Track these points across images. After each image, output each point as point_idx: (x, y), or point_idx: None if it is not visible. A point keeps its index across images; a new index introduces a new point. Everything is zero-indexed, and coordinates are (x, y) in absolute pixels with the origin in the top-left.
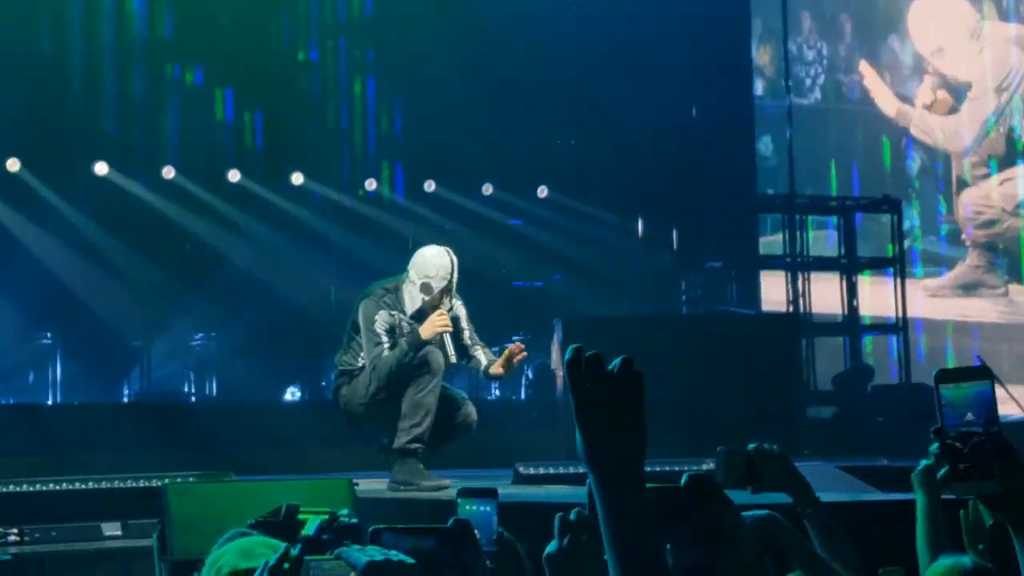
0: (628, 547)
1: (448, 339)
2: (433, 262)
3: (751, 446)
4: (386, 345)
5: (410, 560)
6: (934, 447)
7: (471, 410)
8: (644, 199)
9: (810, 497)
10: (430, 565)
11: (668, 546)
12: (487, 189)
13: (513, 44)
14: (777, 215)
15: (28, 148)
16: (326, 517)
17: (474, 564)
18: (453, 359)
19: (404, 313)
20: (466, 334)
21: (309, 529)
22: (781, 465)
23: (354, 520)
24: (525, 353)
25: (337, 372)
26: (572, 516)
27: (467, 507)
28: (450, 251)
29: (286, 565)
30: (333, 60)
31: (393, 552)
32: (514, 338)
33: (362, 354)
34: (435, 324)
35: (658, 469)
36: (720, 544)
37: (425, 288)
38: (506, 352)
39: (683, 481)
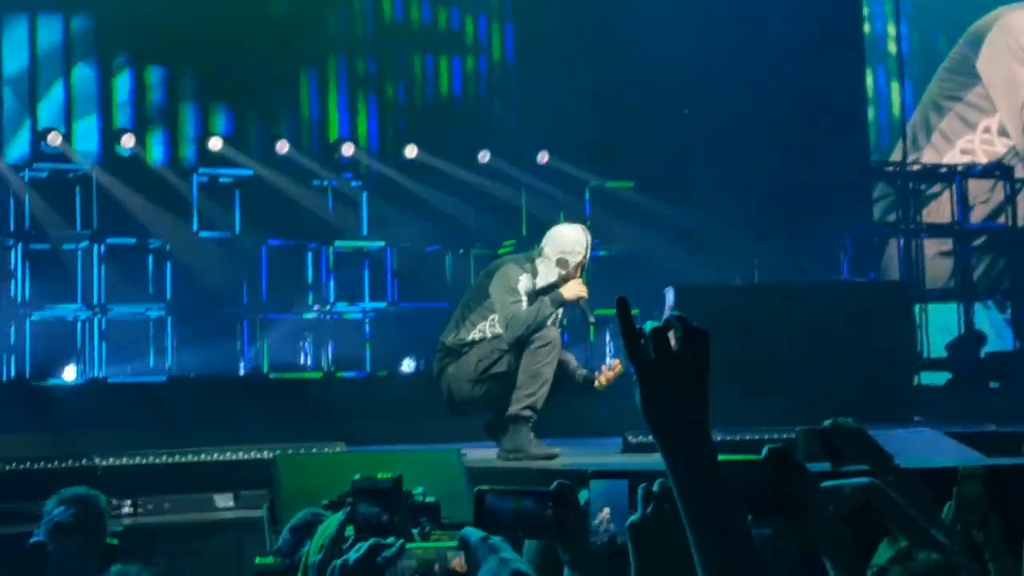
0: (702, 509)
1: (586, 306)
2: (570, 237)
3: (827, 422)
4: (524, 302)
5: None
6: None
7: (569, 357)
8: (758, 166)
9: (890, 466)
10: (530, 525)
11: (749, 517)
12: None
13: (618, 18)
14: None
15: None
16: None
17: (573, 525)
18: (593, 319)
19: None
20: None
21: None
22: (857, 438)
23: (430, 499)
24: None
25: (443, 352)
26: (655, 487)
27: (599, 488)
28: (586, 228)
29: (383, 556)
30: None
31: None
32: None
33: (478, 326)
34: (578, 288)
35: (767, 436)
36: (799, 516)
37: (561, 263)
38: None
39: (763, 454)
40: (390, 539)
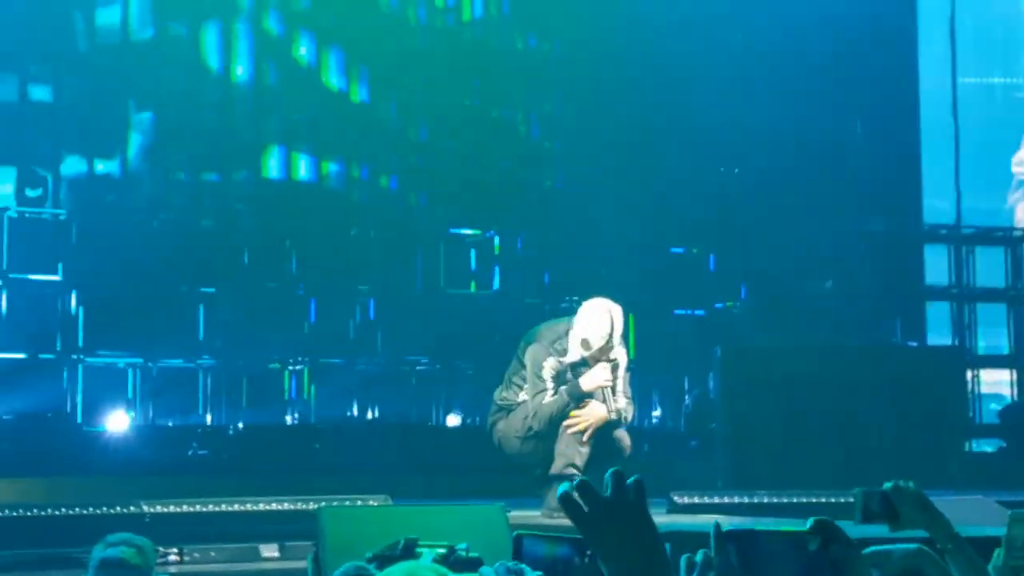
0: None
1: (609, 393)
2: (592, 321)
3: (887, 485)
4: (550, 391)
5: None
6: None
7: (624, 435)
8: (806, 227)
9: (949, 532)
10: (564, 572)
11: None
12: None
13: (669, 70)
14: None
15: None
16: (443, 551)
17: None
18: (613, 415)
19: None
20: (619, 385)
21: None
22: (917, 502)
23: (473, 555)
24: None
25: (495, 408)
26: (698, 557)
27: None
28: (614, 309)
29: None
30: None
31: (526, 570)
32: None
33: (525, 389)
34: (597, 379)
35: (815, 500)
36: None
37: (584, 343)
38: None
39: (808, 525)
40: None
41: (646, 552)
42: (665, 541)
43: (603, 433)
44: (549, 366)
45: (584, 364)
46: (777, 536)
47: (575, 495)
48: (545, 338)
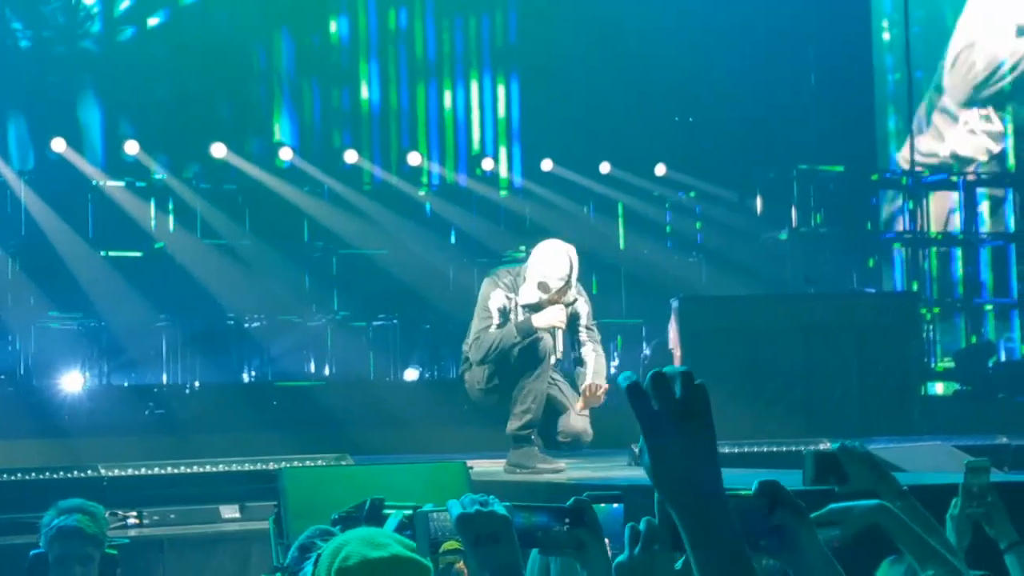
0: (718, 568)
1: (560, 335)
2: (550, 262)
3: (835, 445)
4: (495, 323)
5: (502, 511)
6: None
7: (586, 426)
8: (762, 176)
9: (898, 490)
10: (544, 541)
11: None
12: (604, 167)
13: (628, 21)
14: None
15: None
16: (411, 513)
17: (590, 543)
18: (559, 356)
19: (518, 299)
20: (582, 332)
21: (390, 525)
22: (865, 462)
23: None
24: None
25: (464, 357)
26: (642, 526)
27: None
28: (571, 251)
29: None
30: (449, 41)
31: (493, 501)
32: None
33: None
34: (551, 318)
35: (776, 449)
36: (791, 550)
37: (541, 286)
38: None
39: (754, 488)
40: None
41: (707, 457)
42: (625, 496)
43: (566, 418)
44: (496, 298)
45: (538, 309)
46: None
47: (646, 388)
48: (500, 277)
